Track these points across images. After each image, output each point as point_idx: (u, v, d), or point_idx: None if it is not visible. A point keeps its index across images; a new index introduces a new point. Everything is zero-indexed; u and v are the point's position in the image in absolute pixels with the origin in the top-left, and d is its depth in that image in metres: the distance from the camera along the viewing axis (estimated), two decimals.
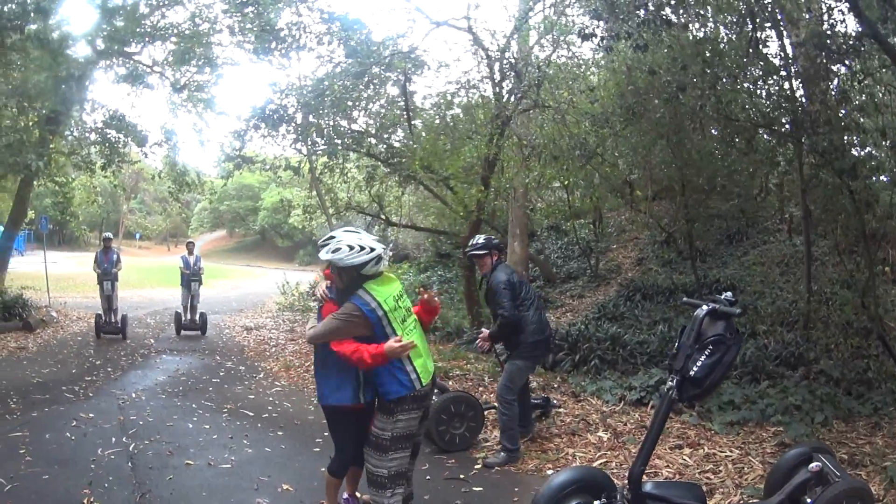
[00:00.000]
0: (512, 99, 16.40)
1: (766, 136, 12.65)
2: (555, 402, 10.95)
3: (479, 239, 9.47)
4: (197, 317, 22.09)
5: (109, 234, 21.75)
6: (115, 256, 20.36)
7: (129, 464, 8.76)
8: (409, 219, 29.59)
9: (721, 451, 8.55)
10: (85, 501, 7.33)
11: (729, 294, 5.45)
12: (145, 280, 46.55)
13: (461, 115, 18.94)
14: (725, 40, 11.91)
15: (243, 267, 72.83)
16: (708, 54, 11.37)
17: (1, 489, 7.56)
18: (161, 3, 21.32)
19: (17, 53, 17.01)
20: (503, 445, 8.87)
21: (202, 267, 22.66)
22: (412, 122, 19.79)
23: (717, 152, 14.33)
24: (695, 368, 5.12)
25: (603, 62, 15.74)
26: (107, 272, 20.02)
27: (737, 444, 8.77)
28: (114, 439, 9.78)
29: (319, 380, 6.45)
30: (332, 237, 6.21)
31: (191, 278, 21.88)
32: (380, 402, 6.23)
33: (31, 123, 19.20)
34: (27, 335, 19.35)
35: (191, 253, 22.34)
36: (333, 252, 6.03)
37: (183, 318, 21.97)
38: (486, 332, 9.45)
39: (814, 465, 5.39)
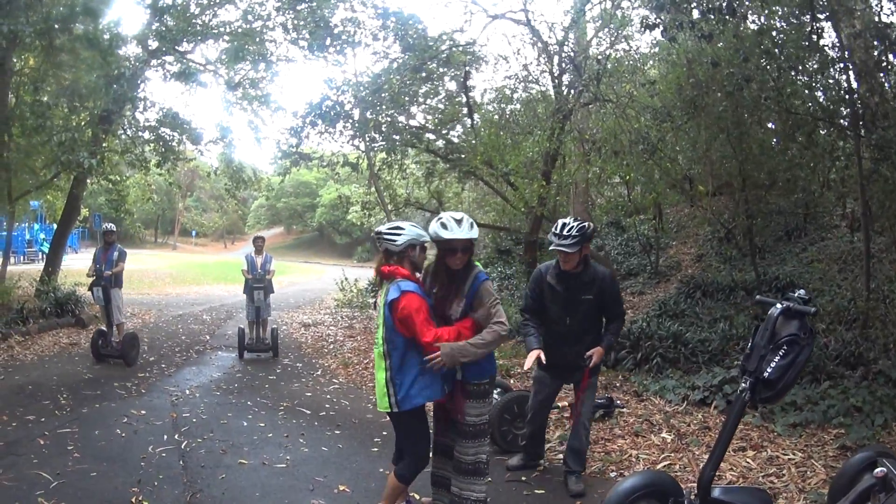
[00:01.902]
0: (572, 93, 16.33)
1: (825, 130, 12.46)
2: (618, 402, 10.90)
3: (572, 226, 7.43)
4: (267, 333, 17.44)
5: (110, 226, 16.42)
6: (115, 254, 15.91)
7: (181, 462, 8.78)
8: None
9: (784, 454, 8.34)
10: (133, 500, 7.32)
11: (802, 292, 5.34)
12: (202, 277, 46.90)
13: (521, 110, 18.87)
14: (782, 31, 11.74)
15: (301, 263, 72.46)
16: (768, 45, 11.21)
17: (48, 486, 7.57)
18: (212, 2, 21.32)
19: (66, 54, 17.10)
20: (576, 467, 7.96)
21: (272, 269, 17.44)
22: (472, 117, 19.87)
23: (778, 147, 14.19)
24: (769, 370, 5.00)
25: (662, 55, 15.66)
26: (100, 275, 15.67)
27: (799, 446, 8.56)
28: (165, 436, 9.83)
29: (401, 381, 6.06)
30: (399, 226, 6.23)
31: (254, 285, 16.90)
32: (475, 388, 6.28)
33: (83, 122, 19.28)
34: (79, 331, 19.44)
35: (259, 252, 17.32)
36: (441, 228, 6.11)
37: (247, 337, 17.16)
38: (598, 349, 7.68)
39: (878, 471, 5.18)
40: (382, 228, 6.33)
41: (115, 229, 16.58)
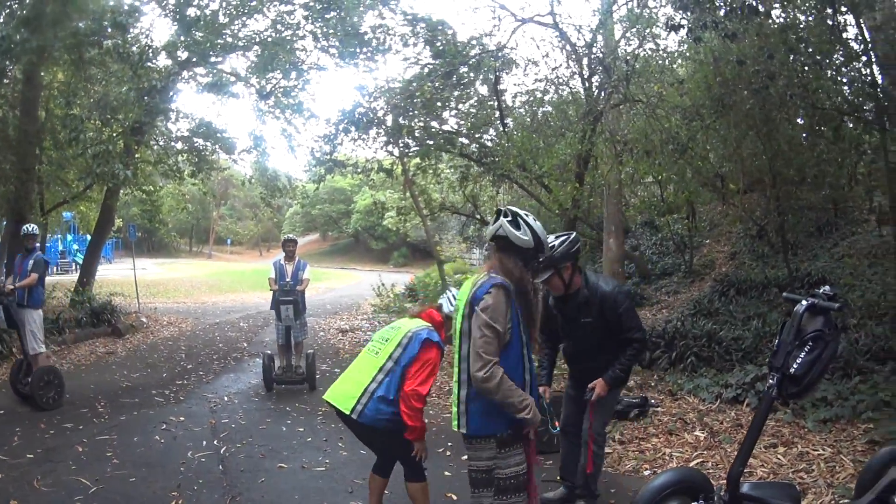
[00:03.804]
0: (602, 94, 16.40)
1: (851, 125, 12.49)
2: (653, 401, 10.99)
3: (552, 240, 6.71)
4: (301, 360, 14.52)
5: (31, 228, 13.17)
6: (30, 263, 12.64)
7: (220, 467, 8.96)
8: None
9: (814, 450, 8.41)
10: None
11: (828, 288, 5.33)
12: (237, 285, 47.13)
13: (552, 112, 18.92)
14: (805, 26, 11.78)
15: (338, 269, 72.63)
16: (791, 41, 11.26)
17: (86, 491, 7.73)
18: (240, 13, 21.45)
19: (96, 68, 17.26)
20: (588, 490, 7.39)
21: (306, 278, 14.71)
22: (504, 121, 19.87)
23: (806, 142, 14.26)
24: (795, 365, 5.01)
25: (689, 54, 15.70)
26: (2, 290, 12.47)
27: (829, 441, 8.62)
28: (204, 442, 10.01)
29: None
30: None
31: (281, 298, 14.19)
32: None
33: (115, 134, 19.44)
34: (116, 340, 19.70)
35: (290, 258, 14.65)
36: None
37: (276, 366, 14.27)
38: (600, 381, 7.00)
39: None
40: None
41: (36, 232, 13.73)
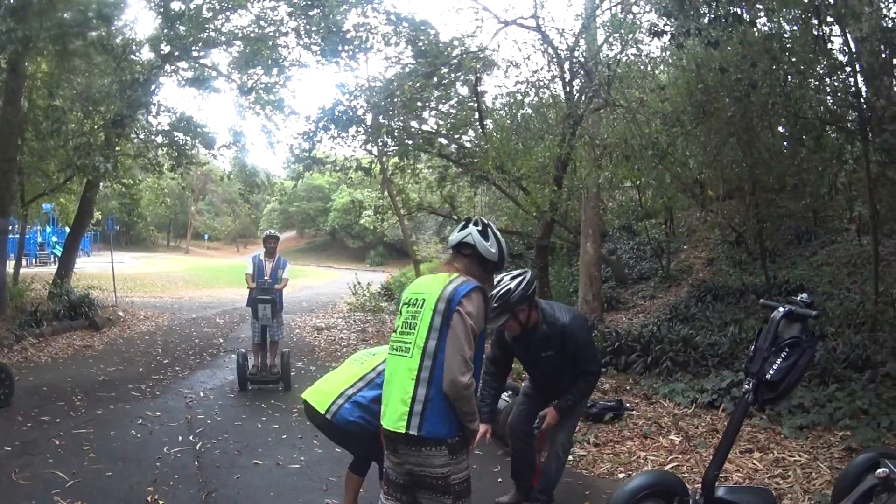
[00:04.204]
0: (583, 98, 16.43)
1: (833, 134, 12.58)
2: (627, 404, 11.02)
3: (507, 282, 6.58)
4: (276, 360, 14.02)
5: None
6: None
7: (196, 462, 8.93)
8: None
9: (790, 456, 8.49)
10: (149, 499, 7.45)
11: (805, 296, 5.46)
12: (214, 280, 47.23)
13: (532, 115, 18.98)
14: (790, 36, 11.86)
15: (314, 267, 72.35)
16: (775, 50, 11.32)
17: (63, 485, 7.68)
18: (224, 7, 21.44)
19: (80, 59, 17.21)
20: (541, 496, 7.07)
21: (285, 278, 14.18)
22: (484, 122, 19.96)
23: (787, 151, 14.32)
24: (771, 371, 5.10)
25: (671, 60, 15.74)
26: None
27: (805, 448, 8.72)
28: (180, 437, 9.97)
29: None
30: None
31: (259, 297, 13.69)
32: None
33: (96, 126, 19.38)
34: (93, 334, 19.60)
35: (270, 255, 13.99)
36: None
37: (250, 365, 13.90)
38: (552, 410, 6.82)
39: (880, 472, 5.27)
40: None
41: None
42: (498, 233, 5.12)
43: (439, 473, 4.59)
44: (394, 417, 4.61)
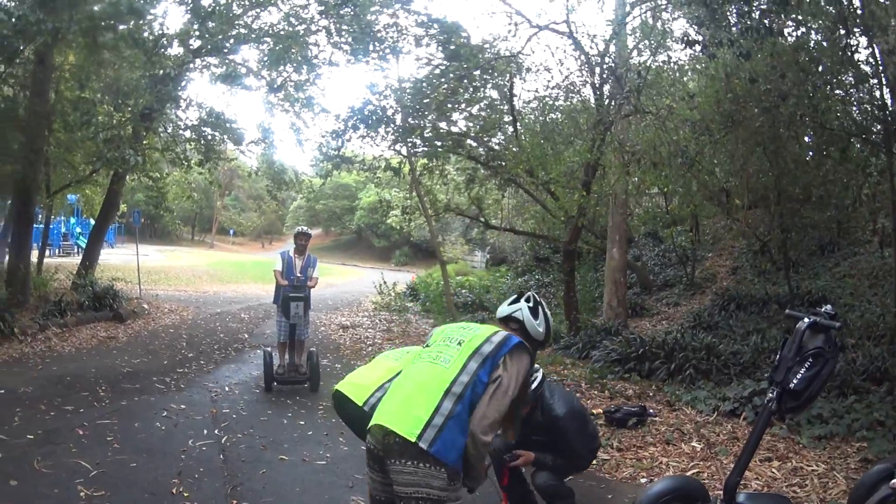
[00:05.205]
0: (613, 104, 16.45)
1: (858, 146, 12.57)
2: (651, 411, 11.06)
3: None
4: (303, 359, 13.65)
5: None
6: None
7: (221, 456, 8.98)
8: (508, 222, 29.69)
9: (808, 465, 8.48)
10: (174, 491, 7.51)
11: (829, 307, 5.38)
12: (239, 275, 47.00)
13: (563, 120, 19.07)
14: (817, 47, 11.85)
15: (339, 265, 71.76)
16: (804, 61, 11.33)
17: (87, 474, 7.72)
18: (253, 4, 21.56)
19: (109, 52, 17.26)
20: None
21: (315, 277, 13.87)
22: (517, 126, 19.98)
23: (812, 162, 14.31)
24: (794, 381, 5.07)
25: (699, 68, 15.76)
26: None
27: (823, 458, 8.70)
28: (205, 431, 10.02)
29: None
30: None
31: (291, 294, 13.19)
32: None
33: (124, 119, 19.46)
34: (117, 326, 19.61)
35: (301, 252, 13.70)
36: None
37: (277, 364, 13.54)
38: (531, 454, 6.52)
39: (895, 482, 5.36)
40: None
41: None
42: (548, 311, 5.10)
43: (435, 496, 4.32)
44: (407, 422, 4.34)
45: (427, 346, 4.83)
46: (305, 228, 14.34)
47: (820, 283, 16.77)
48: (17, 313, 16.47)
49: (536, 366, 6.26)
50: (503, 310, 5.06)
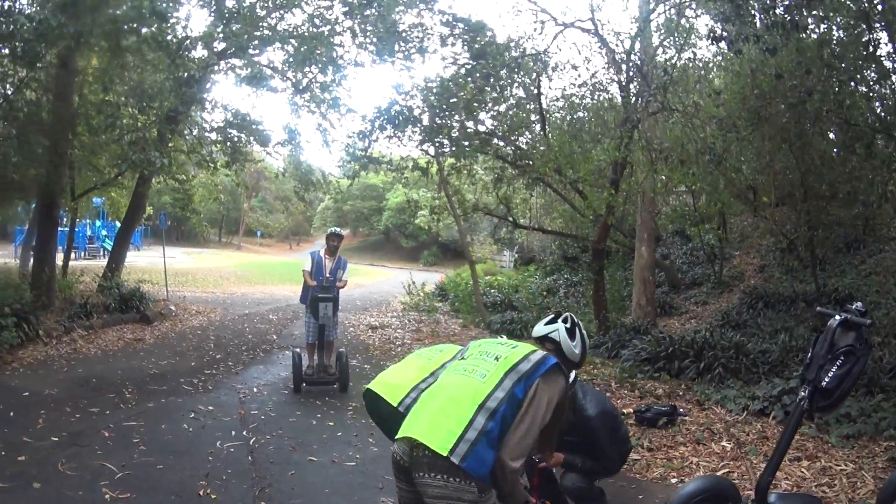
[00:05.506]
0: (640, 102, 16.51)
1: (882, 142, 12.50)
2: (681, 410, 11.07)
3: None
4: (332, 360, 13.73)
5: None
6: None
7: (249, 457, 9.04)
8: (537, 221, 29.62)
9: (836, 465, 8.45)
10: (201, 493, 7.55)
11: (859, 304, 5.38)
12: (266, 277, 47.11)
13: (590, 118, 19.29)
14: (839, 43, 11.80)
15: (367, 266, 71.21)
16: (828, 56, 11.29)
17: (112, 476, 7.79)
18: (277, 5, 21.64)
19: (132, 55, 17.29)
20: None
21: (345, 279, 13.98)
22: (545, 125, 20.02)
23: (838, 158, 14.33)
24: (826, 379, 5.06)
25: (724, 64, 15.74)
26: None
27: (851, 457, 8.66)
28: (233, 432, 10.09)
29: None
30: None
31: (321, 295, 13.32)
32: None
33: (149, 122, 19.53)
34: (144, 327, 19.71)
35: (332, 254, 13.77)
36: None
37: (306, 365, 13.70)
38: (561, 455, 6.04)
39: None
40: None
41: None
42: (585, 332, 5.08)
43: None
44: (439, 435, 4.18)
45: (463, 358, 4.76)
46: (338, 230, 14.37)
47: (846, 281, 16.73)
48: (42, 316, 16.53)
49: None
50: (540, 329, 5.06)
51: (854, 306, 5.34)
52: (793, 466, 8.47)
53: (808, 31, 12.00)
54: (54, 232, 19.52)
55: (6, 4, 15.37)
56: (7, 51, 15.59)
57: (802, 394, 5.17)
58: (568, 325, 4.96)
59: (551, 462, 6.05)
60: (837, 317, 5.23)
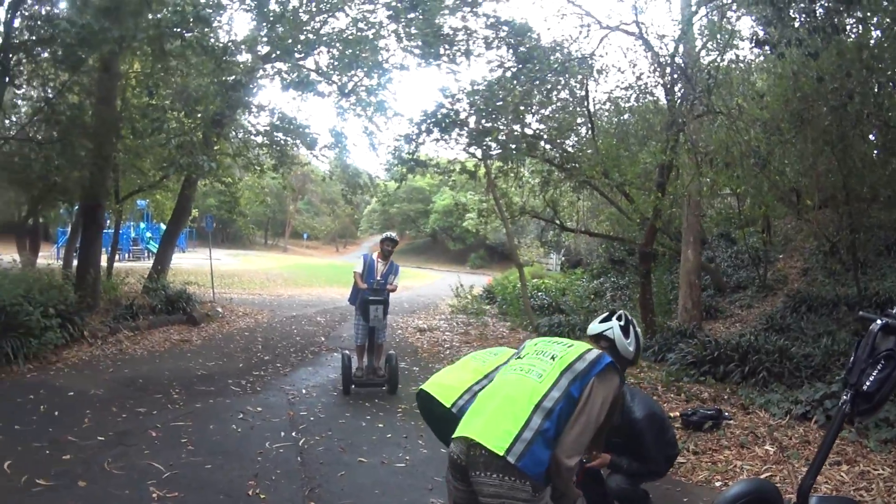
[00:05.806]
0: (685, 104, 16.48)
1: None
2: (727, 413, 11.10)
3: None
4: (381, 362, 13.83)
5: None
6: None
7: (299, 458, 9.11)
8: (583, 224, 29.81)
9: (874, 469, 8.45)
10: (250, 493, 7.62)
11: None
12: (313, 279, 47.26)
13: (636, 120, 19.44)
14: (878, 45, 11.77)
15: (414, 269, 70.86)
16: (867, 58, 11.27)
17: (159, 476, 7.94)
18: (321, 9, 21.81)
19: (176, 59, 17.39)
20: None
21: (396, 284, 13.96)
22: (593, 128, 20.09)
23: (878, 161, 14.21)
24: (867, 383, 4.84)
25: (765, 66, 15.71)
26: None
27: (889, 462, 8.65)
28: (283, 433, 10.18)
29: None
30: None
31: (371, 297, 13.32)
32: None
33: (195, 125, 19.67)
34: (191, 329, 19.94)
35: (385, 258, 13.77)
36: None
37: (355, 367, 13.66)
38: (607, 456, 6.47)
39: None
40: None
41: None
42: (639, 330, 5.09)
43: None
44: (496, 434, 4.21)
45: (519, 357, 4.79)
46: (393, 234, 14.43)
47: (887, 284, 16.73)
48: (87, 317, 16.70)
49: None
50: (594, 327, 5.06)
51: (895, 310, 5.25)
52: (832, 470, 8.48)
53: (846, 33, 11.98)
54: (99, 234, 19.86)
55: (44, 10, 15.56)
56: (48, 54, 15.76)
57: (844, 398, 4.98)
58: (622, 323, 4.95)
59: (597, 462, 6.36)
60: (879, 321, 5.11)
